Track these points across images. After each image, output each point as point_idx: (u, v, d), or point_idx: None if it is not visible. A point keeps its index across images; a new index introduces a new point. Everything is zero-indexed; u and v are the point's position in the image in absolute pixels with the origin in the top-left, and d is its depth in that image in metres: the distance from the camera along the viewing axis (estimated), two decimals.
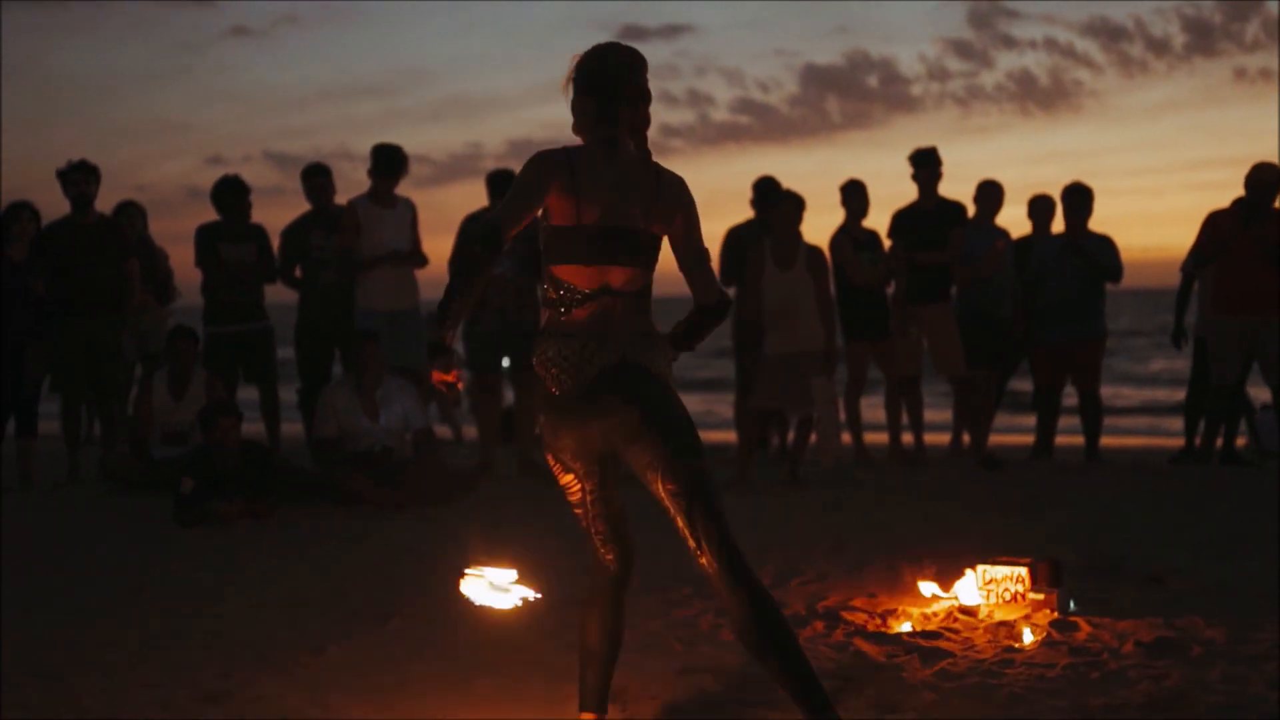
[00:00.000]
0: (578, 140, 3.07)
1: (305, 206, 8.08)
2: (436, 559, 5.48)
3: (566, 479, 3.14)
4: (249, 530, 6.17)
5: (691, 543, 2.90)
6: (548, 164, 2.98)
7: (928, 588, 4.59)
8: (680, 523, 2.91)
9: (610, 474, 3.12)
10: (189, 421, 7.09)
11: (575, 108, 3.05)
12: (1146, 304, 40.51)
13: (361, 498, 6.63)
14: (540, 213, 3.01)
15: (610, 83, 3.01)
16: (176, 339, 7.39)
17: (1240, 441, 8.69)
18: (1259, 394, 8.95)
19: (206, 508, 6.26)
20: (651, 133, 3.09)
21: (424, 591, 4.91)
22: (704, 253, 3.15)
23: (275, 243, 8.04)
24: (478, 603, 3.08)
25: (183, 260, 8.33)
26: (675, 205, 3.09)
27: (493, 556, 3.16)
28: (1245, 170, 7.96)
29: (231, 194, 7.88)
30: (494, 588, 3.05)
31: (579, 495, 3.12)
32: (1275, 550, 5.42)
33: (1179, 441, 9.05)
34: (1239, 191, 8.01)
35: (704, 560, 2.88)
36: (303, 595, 4.89)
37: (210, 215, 7.98)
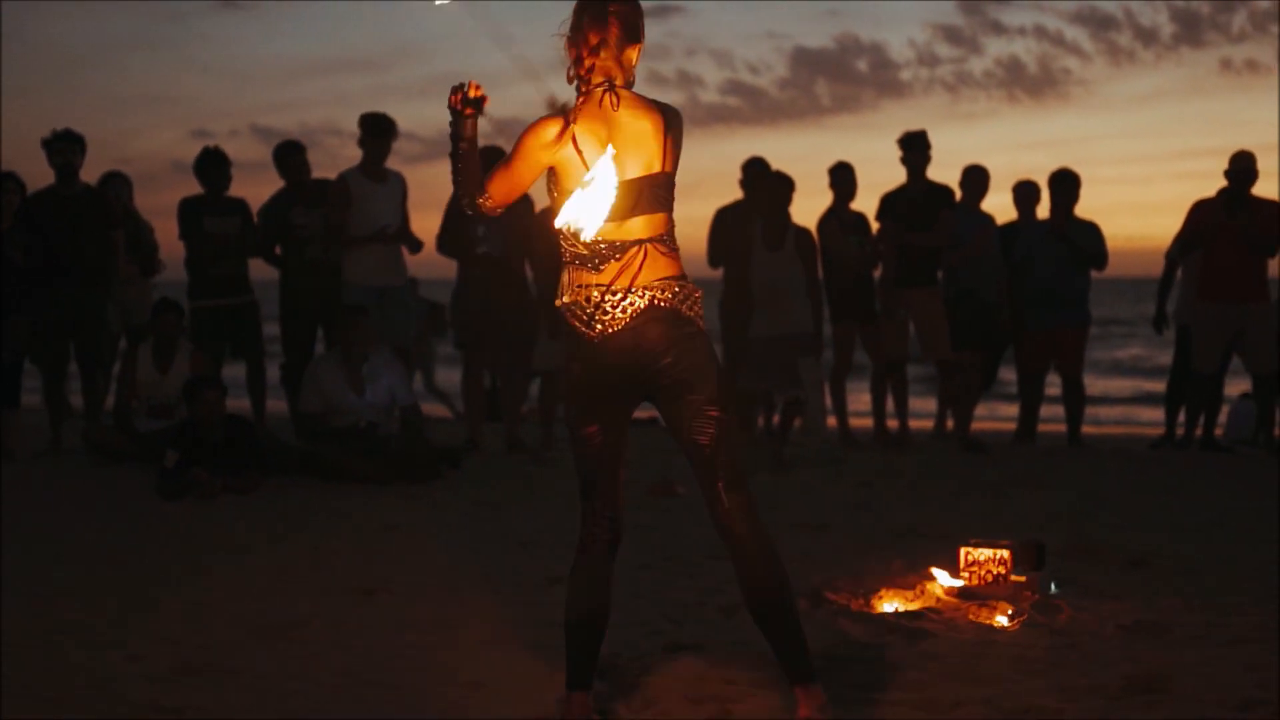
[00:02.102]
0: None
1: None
2: (422, 535, 5.50)
3: (589, 430, 3.12)
4: (232, 504, 6.16)
5: (709, 493, 3.05)
6: None
7: (936, 570, 4.59)
8: (700, 473, 3.05)
9: (625, 429, 3.15)
10: (174, 395, 7.07)
11: (630, 58, 3.11)
12: (1132, 292, 40.67)
13: (346, 473, 6.62)
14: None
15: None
16: (162, 312, 7.35)
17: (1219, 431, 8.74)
18: (1234, 384, 9.00)
19: (190, 480, 6.25)
20: None
21: (409, 567, 4.93)
22: None
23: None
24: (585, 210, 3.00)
25: (167, 233, 8.28)
26: (679, 136, 3.14)
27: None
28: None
29: (214, 165, 7.83)
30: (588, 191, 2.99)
31: (595, 448, 3.11)
32: (1252, 535, 5.47)
33: (1157, 429, 9.11)
34: (1224, 181, 8.05)
35: (720, 511, 3.03)
36: (287, 569, 4.89)
37: (194, 189, 7.93)
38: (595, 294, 3.04)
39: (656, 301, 3.05)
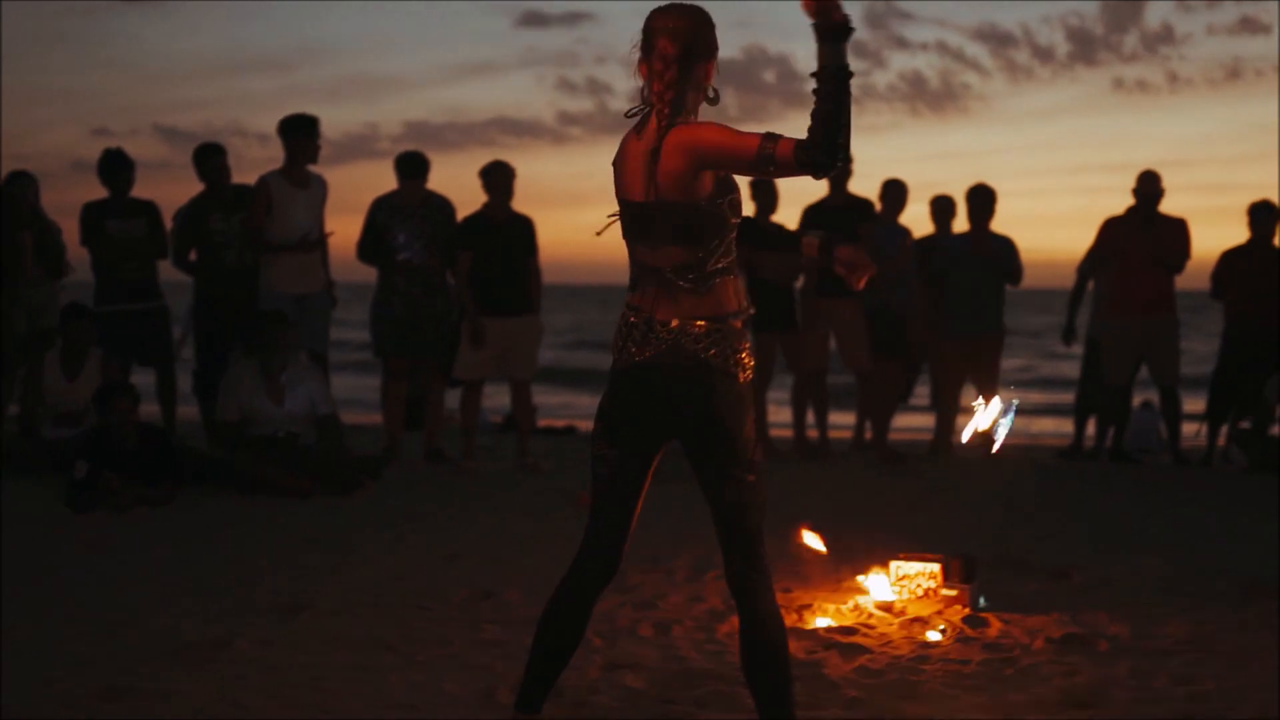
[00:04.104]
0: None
1: (194, 181, 7.80)
2: (345, 549, 5.39)
3: (605, 451, 2.95)
4: (147, 517, 5.97)
5: (724, 551, 2.94)
6: None
7: (866, 583, 4.61)
8: (718, 529, 2.94)
9: (647, 463, 2.96)
10: (83, 402, 6.84)
11: (700, 74, 2.85)
12: (1027, 304, 41.52)
13: (265, 484, 6.46)
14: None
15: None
16: (73, 318, 7.11)
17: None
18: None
19: (102, 490, 6.05)
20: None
21: (334, 582, 4.82)
22: (762, 157, 2.71)
23: (169, 222, 7.78)
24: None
25: (69, 233, 8.01)
26: (678, 163, 2.81)
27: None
28: (1122, 176, 8.32)
29: (116, 167, 7.61)
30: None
31: (608, 472, 2.94)
32: (1167, 545, 5.61)
33: (1057, 440, 9.32)
34: (1116, 196, 8.34)
35: (732, 573, 2.93)
36: (207, 585, 4.75)
37: (96, 189, 7.71)
38: (632, 316, 2.91)
39: (682, 344, 2.85)
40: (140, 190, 7.74)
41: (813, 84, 2.69)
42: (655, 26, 2.85)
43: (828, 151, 2.66)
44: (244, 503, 6.29)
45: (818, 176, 2.73)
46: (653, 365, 2.87)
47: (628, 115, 2.92)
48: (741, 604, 2.93)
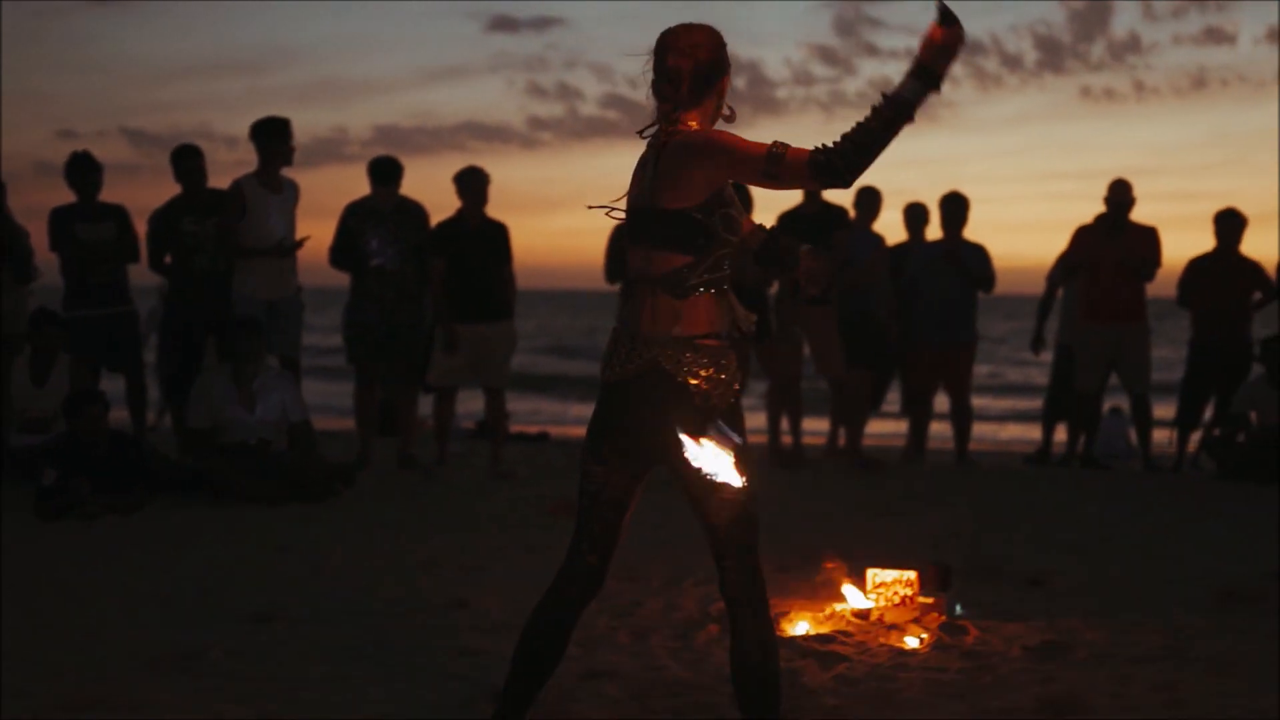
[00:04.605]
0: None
1: (161, 185, 7.84)
2: (318, 557, 5.34)
3: (592, 465, 2.91)
4: (117, 525, 5.90)
5: (719, 567, 2.91)
6: None
7: (849, 592, 4.60)
8: (712, 547, 2.91)
9: (633, 483, 2.91)
10: (52, 409, 6.76)
11: (714, 93, 2.85)
12: (993, 310, 41.82)
13: (237, 492, 6.40)
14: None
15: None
16: (44, 325, 7.02)
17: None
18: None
19: (71, 497, 5.98)
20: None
21: (308, 591, 4.77)
22: (770, 157, 2.68)
23: (141, 225, 7.72)
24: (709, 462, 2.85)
25: (35, 236, 7.92)
26: (677, 165, 2.79)
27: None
28: (1090, 183, 8.39)
29: (84, 171, 7.54)
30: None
31: (594, 486, 2.90)
32: (1140, 551, 5.64)
33: (1027, 447, 9.37)
34: (1084, 203, 8.51)
35: (726, 590, 2.90)
36: (179, 594, 4.69)
37: (61, 192, 7.63)
38: (620, 328, 2.87)
39: (661, 364, 2.80)
40: (107, 193, 7.67)
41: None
42: (666, 46, 2.84)
43: (852, 164, 2.67)
44: (215, 510, 6.23)
45: (826, 184, 2.73)
46: (631, 382, 2.84)
47: (640, 135, 2.91)
48: (736, 617, 2.90)
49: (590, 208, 2.99)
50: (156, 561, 5.22)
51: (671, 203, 2.79)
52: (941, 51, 2.68)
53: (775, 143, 2.72)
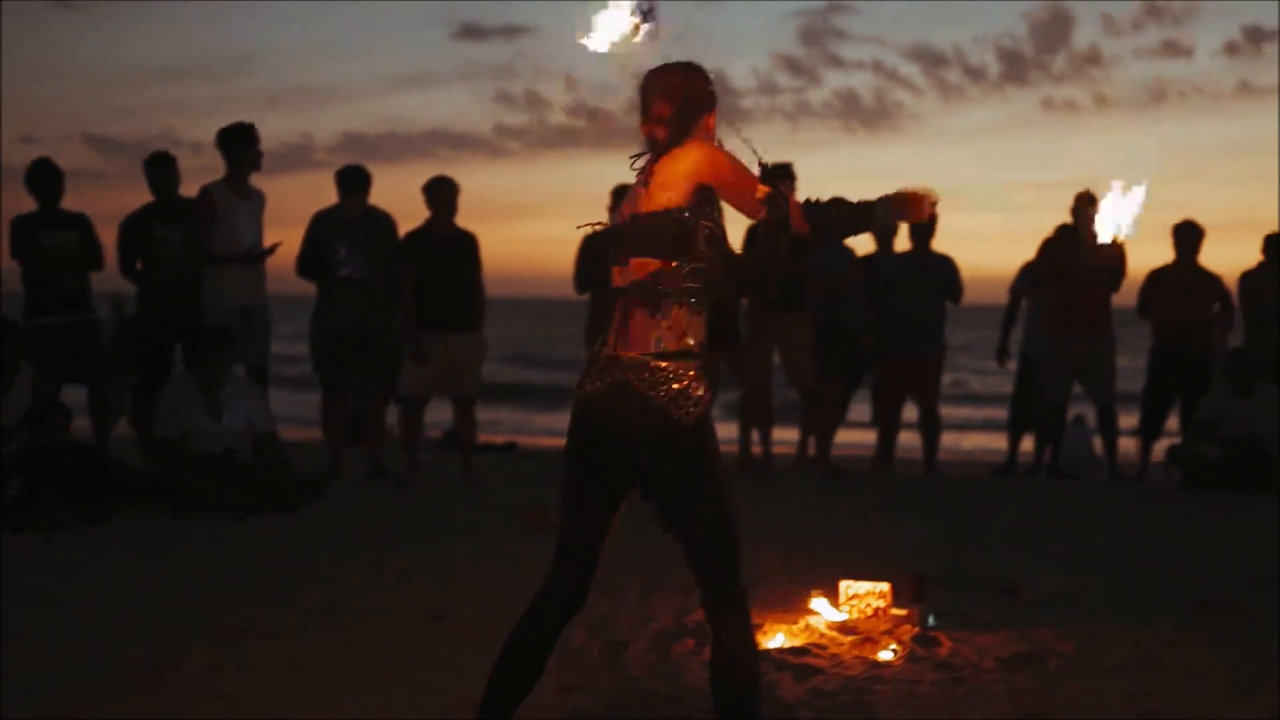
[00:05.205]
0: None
1: (125, 191, 7.76)
2: (291, 569, 5.29)
3: (570, 482, 2.90)
4: (83, 537, 5.82)
5: (699, 588, 2.90)
6: None
7: (818, 604, 4.61)
8: (691, 568, 2.90)
9: (614, 502, 2.89)
10: (12, 419, 6.66)
11: (706, 125, 2.90)
12: (955, 320, 42.02)
13: (206, 502, 6.33)
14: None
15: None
16: (4, 334, 6.92)
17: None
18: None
19: (35, 509, 5.89)
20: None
21: (280, 603, 4.73)
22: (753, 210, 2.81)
23: (110, 232, 7.65)
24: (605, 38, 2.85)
25: None
26: (668, 166, 2.83)
27: None
28: (1051, 194, 8.48)
29: (46, 178, 7.47)
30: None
31: (573, 504, 2.89)
32: (1108, 561, 5.69)
33: (993, 456, 9.44)
34: (1046, 213, 8.58)
35: (707, 611, 2.89)
36: (150, 607, 4.63)
37: (20, 198, 7.56)
38: (591, 351, 2.86)
39: (631, 384, 2.77)
40: (68, 200, 7.61)
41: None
42: (648, 87, 2.88)
43: (820, 243, 2.90)
44: (184, 522, 6.16)
45: (790, 243, 2.83)
46: (603, 399, 2.82)
47: (632, 166, 2.94)
48: (717, 631, 2.89)
49: (579, 227, 3.00)
50: (125, 574, 5.16)
51: (658, 203, 2.81)
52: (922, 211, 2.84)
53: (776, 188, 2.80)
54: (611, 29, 2.87)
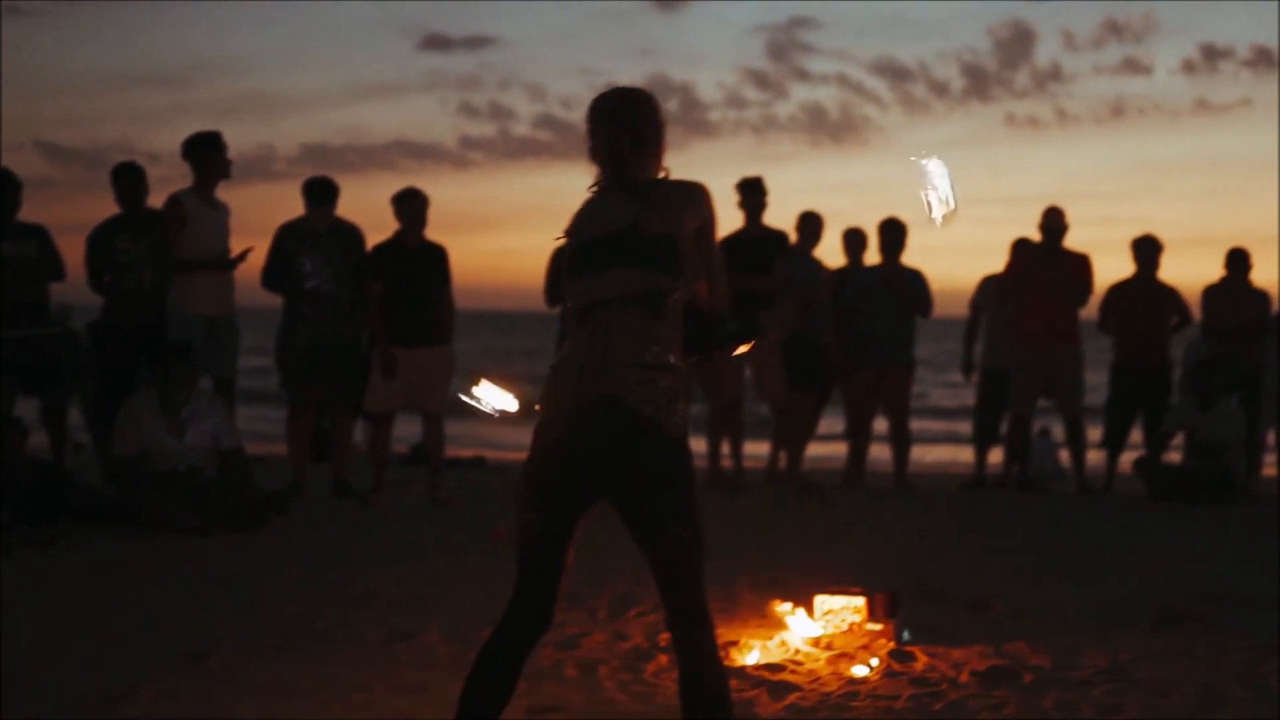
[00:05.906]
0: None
1: (77, 200, 7.68)
2: (252, 590, 5.18)
3: (530, 499, 2.83)
4: (38, 557, 5.67)
5: (666, 607, 2.84)
6: None
7: (792, 619, 4.55)
8: (658, 586, 2.84)
9: (576, 523, 2.84)
10: None
11: (652, 153, 2.91)
12: (921, 333, 42.26)
13: (166, 522, 6.20)
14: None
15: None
16: None
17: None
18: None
19: None
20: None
21: (243, 625, 4.62)
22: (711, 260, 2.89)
23: (65, 243, 7.52)
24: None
25: None
26: (669, 198, 2.87)
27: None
28: (1014, 208, 8.56)
29: (4, 188, 7.32)
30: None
31: (532, 522, 2.81)
32: (1078, 573, 5.68)
33: (959, 469, 9.44)
34: (1009, 227, 8.64)
35: (674, 632, 2.84)
36: (107, 630, 4.51)
37: None
38: (561, 370, 2.80)
39: (621, 399, 2.74)
40: (22, 210, 7.46)
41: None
42: (595, 114, 2.89)
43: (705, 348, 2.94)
44: (142, 542, 6.03)
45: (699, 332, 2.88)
46: (587, 412, 2.77)
47: (589, 189, 2.95)
48: (682, 650, 2.84)
49: (557, 239, 2.95)
50: (81, 596, 5.03)
51: (660, 229, 2.81)
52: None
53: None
54: (943, 195, 3.03)
